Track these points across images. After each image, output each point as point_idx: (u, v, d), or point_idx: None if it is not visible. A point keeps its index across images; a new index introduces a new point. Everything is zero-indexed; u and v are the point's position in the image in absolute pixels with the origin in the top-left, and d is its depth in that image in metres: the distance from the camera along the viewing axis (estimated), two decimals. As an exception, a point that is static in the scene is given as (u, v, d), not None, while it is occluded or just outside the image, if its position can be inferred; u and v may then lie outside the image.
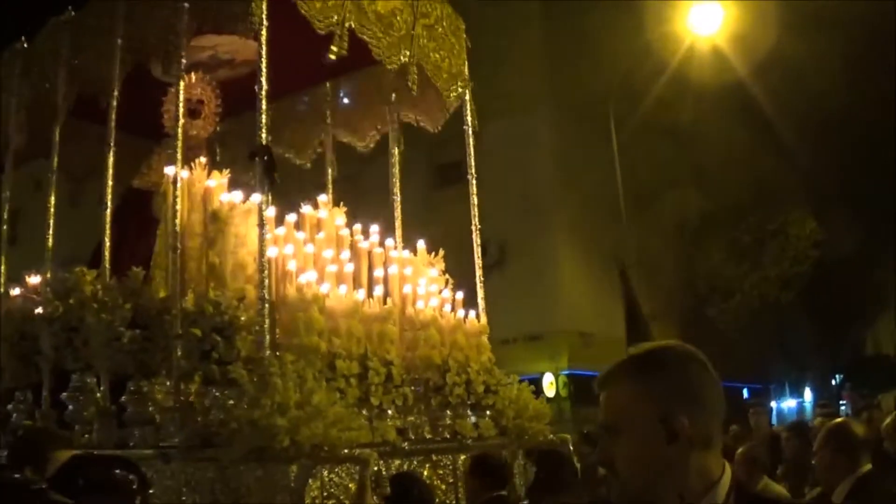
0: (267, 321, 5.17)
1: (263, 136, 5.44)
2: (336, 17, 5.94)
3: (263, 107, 5.48)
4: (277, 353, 5.18)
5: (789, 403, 26.39)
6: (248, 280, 5.60)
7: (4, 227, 7.08)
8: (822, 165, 19.53)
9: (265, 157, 5.40)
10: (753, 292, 20.90)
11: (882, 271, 19.83)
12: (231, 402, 5.23)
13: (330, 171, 7.79)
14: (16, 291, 7.07)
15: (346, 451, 4.96)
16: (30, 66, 7.14)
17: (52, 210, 6.72)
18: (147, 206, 6.92)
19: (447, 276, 6.78)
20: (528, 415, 6.43)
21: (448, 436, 6.05)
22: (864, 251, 19.47)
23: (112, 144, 6.27)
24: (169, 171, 6.18)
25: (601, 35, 18.82)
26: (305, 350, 5.27)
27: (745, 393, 23.43)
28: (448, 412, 6.06)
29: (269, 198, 5.39)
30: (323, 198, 6.96)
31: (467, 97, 7.07)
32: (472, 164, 7.03)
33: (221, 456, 5.02)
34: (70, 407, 6.04)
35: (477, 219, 6.97)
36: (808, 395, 24.37)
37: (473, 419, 6.23)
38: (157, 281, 6.34)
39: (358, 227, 6.80)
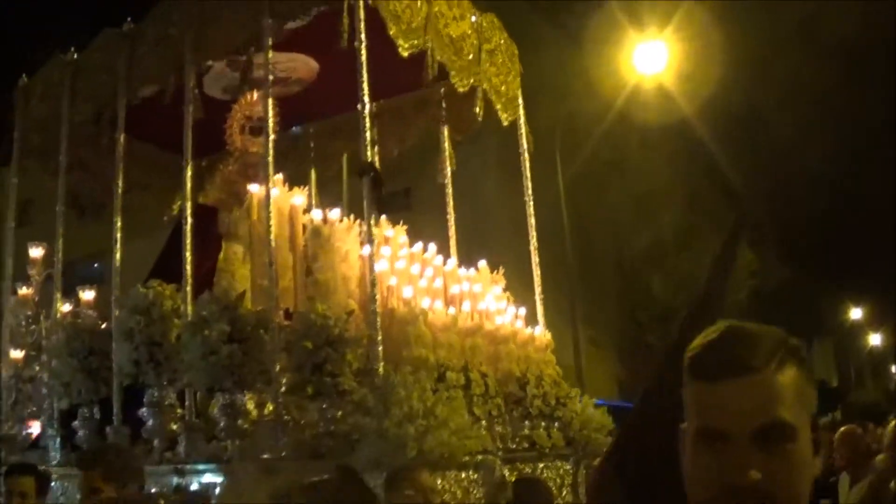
0: (380, 334, 5.40)
1: (369, 153, 5.68)
2: (420, 40, 6.24)
3: (367, 125, 5.71)
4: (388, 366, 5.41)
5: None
6: (351, 295, 5.80)
7: (60, 241, 7.02)
8: (759, 197, 20.71)
9: (372, 174, 5.64)
10: (691, 320, 21.81)
11: (815, 300, 21.10)
12: (339, 413, 5.44)
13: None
14: (66, 307, 7.02)
15: (466, 458, 5.23)
16: (78, 77, 7.15)
17: (118, 236, 6.69)
18: (211, 222, 7.00)
19: (508, 293, 7.10)
20: (592, 426, 6.78)
21: (527, 445, 6.35)
22: (798, 280, 20.69)
23: (189, 160, 6.37)
24: (253, 188, 6.33)
25: (548, 72, 19.50)
26: (416, 362, 5.50)
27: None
28: (526, 423, 6.37)
29: (377, 214, 5.63)
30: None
31: (521, 120, 7.45)
32: (529, 185, 7.39)
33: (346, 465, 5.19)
34: (150, 422, 6.09)
35: (535, 238, 7.30)
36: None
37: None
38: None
39: (419, 244, 7.06)
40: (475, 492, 5.55)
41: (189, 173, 6.35)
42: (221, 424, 5.77)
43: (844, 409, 22.12)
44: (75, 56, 7.25)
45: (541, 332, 6.97)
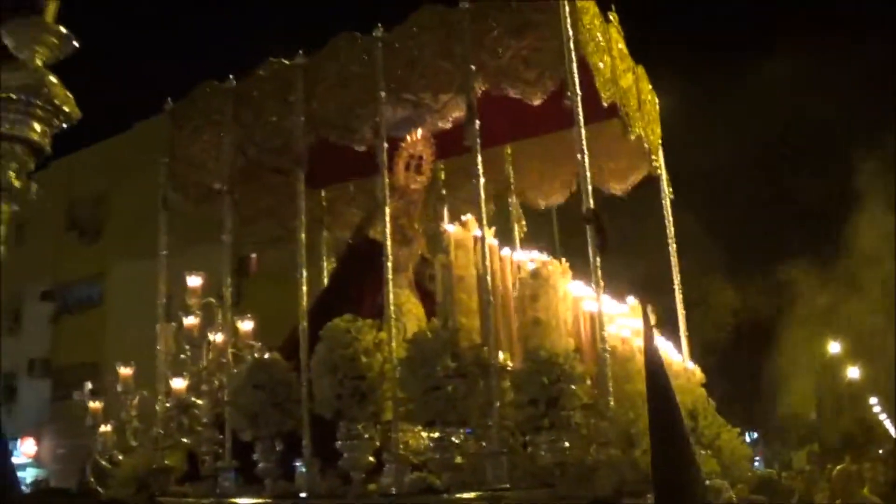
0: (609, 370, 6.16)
1: (590, 200, 6.42)
2: (612, 91, 7.02)
3: (587, 174, 6.45)
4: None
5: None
6: (568, 333, 6.52)
7: (229, 275, 7.42)
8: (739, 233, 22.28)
9: (596, 221, 6.39)
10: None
11: (794, 332, 22.78)
12: (567, 444, 6.15)
13: (517, 228, 8.73)
14: (218, 337, 7.45)
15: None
16: (242, 107, 7.61)
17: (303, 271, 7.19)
18: (375, 255, 7.49)
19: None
20: (739, 454, 7.69)
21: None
22: (778, 315, 22.33)
23: (387, 195, 6.96)
24: (449, 228, 6.96)
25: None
26: (638, 396, 6.26)
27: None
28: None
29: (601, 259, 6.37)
30: (538, 254, 7.90)
31: (662, 168, 8.33)
32: (671, 229, 8.25)
33: (584, 493, 5.91)
34: (347, 455, 6.63)
35: (679, 277, 8.16)
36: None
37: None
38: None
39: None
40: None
41: (387, 211, 6.92)
42: (437, 457, 6.41)
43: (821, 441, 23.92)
44: (234, 83, 7.70)
45: (693, 367, 7.83)
